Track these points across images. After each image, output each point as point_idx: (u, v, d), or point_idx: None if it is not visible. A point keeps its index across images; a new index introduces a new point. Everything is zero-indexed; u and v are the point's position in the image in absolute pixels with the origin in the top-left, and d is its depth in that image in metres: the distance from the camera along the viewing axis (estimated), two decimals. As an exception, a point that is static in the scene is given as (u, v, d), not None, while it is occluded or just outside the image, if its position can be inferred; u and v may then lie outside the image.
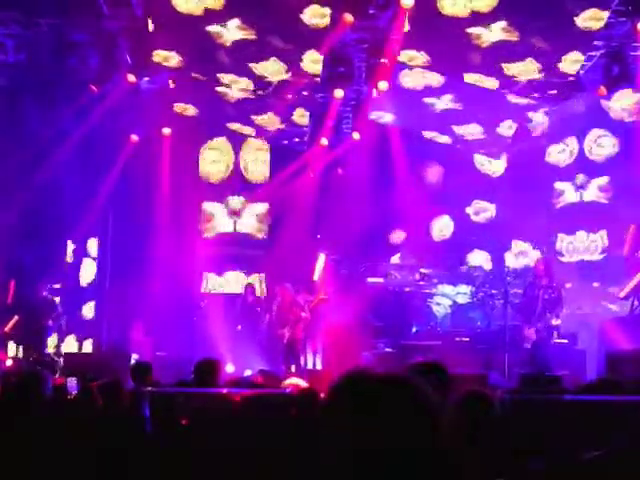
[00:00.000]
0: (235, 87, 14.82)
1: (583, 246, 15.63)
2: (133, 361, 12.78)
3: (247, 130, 16.99)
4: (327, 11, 12.52)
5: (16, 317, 13.92)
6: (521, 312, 12.58)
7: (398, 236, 17.26)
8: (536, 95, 14.18)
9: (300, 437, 4.44)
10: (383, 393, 1.75)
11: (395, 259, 15.83)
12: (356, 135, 15.70)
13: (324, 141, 15.88)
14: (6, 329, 13.93)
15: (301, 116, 15.94)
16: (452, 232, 17.54)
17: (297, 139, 16.56)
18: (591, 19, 12.31)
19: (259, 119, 16.12)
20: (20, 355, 13.61)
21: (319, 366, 13.94)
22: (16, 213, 14.62)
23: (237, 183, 17.50)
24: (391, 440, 1.69)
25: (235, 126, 16.93)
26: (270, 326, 14.48)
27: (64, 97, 14.21)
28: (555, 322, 12.19)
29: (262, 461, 4.07)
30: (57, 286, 15.29)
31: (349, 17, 12.35)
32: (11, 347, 13.88)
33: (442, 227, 17.65)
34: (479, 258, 16.83)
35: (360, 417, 1.72)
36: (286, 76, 14.16)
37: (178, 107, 15.62)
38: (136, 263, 15.15)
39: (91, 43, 13.74)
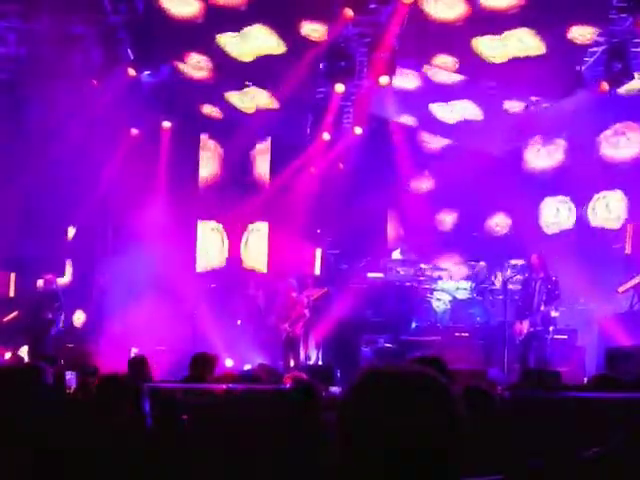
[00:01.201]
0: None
1: None
2: (132, 355, 12.81)
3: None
4: None
5: (16, 312, 13.94)
6: (519, 307, 12.60)
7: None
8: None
9: (298, 431, 4.45)
10: (413, 390, 1.71)
11: (396, 254, 15.79)
12: (358, 130, 15.68)
13: (326, 136, 15.86)
14: (4, 319, 13.96)
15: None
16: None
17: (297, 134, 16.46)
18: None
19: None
20: (25, 350, 13.61)
21: (319, 361, 13.93)
22: (17, 206, 14.61)
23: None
24: (422, 439, 1.66)
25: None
26: (270, 321, 14.48)
27: (65, 90, 14.19)
28: (554, 314, 12.19)
29: (261, 456, 4.08)
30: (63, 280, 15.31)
31: (349, 12, 12.34)
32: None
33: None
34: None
35: (393, 416, 1.67)
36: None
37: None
38: (134, 257, 15.11)
39: (92, 37, 13.74)
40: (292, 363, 13.53)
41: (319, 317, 14.02)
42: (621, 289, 13.60)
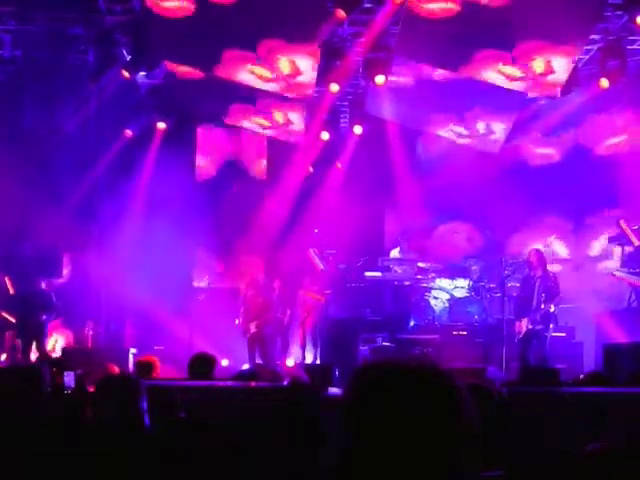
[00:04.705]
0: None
1: None
2: (131, 355, 12.80)
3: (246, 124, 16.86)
4: None
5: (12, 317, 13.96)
6: (518, 305, 12.58)
7: None
8: None
9: (297, 429, 4.45)
10: (415, 384, 1.70)
11: (395, 253, 15.79)
12: (357, 129, 15.66)
13: (325, 135, 15.85)
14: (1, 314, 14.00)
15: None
16: None
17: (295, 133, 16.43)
18: None
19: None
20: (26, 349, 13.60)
21: (317, 360, 13.91)
22: (12, 206, 14.59)
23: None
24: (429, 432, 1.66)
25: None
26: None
27: (61, 92, 14.19)
28: (553, 309, 12.14)
29: (261, 454, 4.09)
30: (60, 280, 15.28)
31: (341, 13, 12.32)
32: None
33: None
34: None
35: (395, 411, 1.66)
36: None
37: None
38: (131, 256, 15.10)
39: (88, 38, 13.75)
40: (291, 362, 13.55)
41: (317, 316, 13.99)
42: (616, 273, 13.61)
